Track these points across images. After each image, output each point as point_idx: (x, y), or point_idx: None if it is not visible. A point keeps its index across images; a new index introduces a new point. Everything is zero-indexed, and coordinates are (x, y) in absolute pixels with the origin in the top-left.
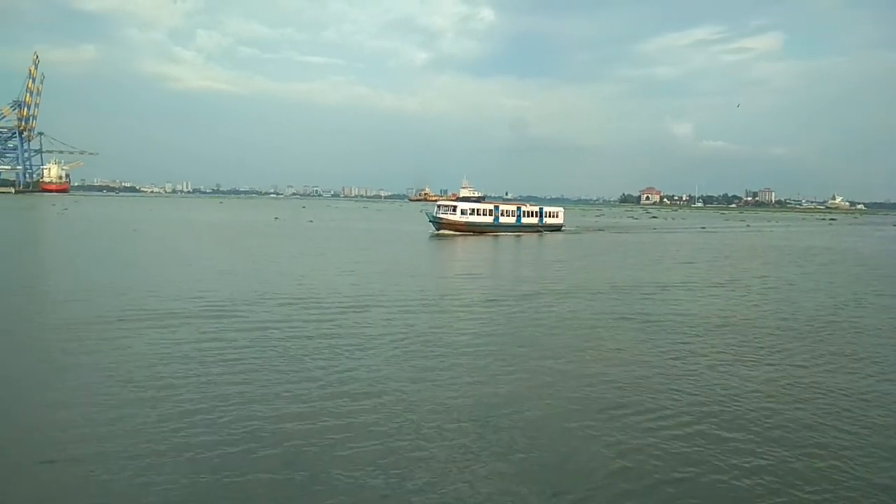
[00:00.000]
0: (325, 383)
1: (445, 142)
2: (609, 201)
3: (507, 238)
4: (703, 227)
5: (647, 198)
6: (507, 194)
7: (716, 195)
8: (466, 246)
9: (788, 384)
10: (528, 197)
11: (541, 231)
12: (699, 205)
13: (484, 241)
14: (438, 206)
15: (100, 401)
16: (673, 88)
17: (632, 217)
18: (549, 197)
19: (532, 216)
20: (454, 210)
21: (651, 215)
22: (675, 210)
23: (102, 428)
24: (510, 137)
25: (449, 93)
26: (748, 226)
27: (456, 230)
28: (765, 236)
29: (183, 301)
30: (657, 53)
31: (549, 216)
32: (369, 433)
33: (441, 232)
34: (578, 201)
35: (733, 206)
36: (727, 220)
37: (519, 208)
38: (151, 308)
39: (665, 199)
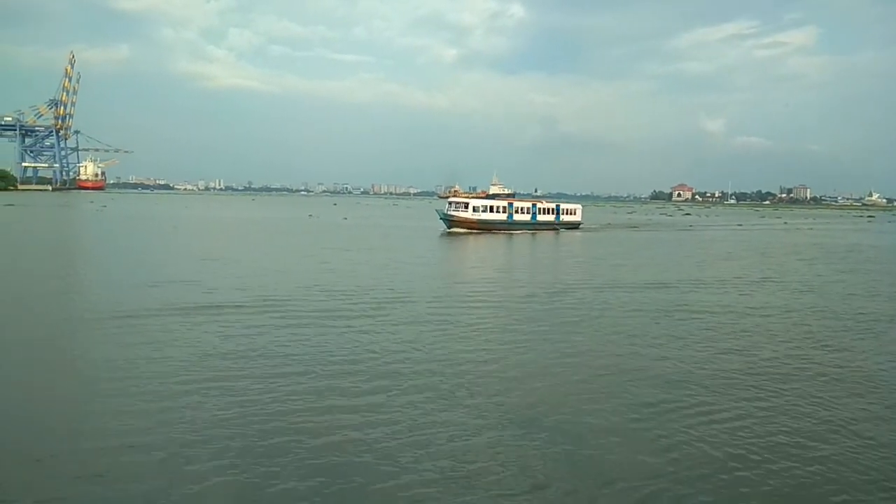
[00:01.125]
0: (373, 374)
1: (475, 139)
2: (640, 198)
3: (522, 236)
4: (740, 225)
5: (679, 195)
6: (536, 191)
7: (749, 192)
8: (482, 244)
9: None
10: (558, 194)
11: (557, 229)
12: (732, 202)
13: (498, 240)
14: (450, 203)
15: (152, 388)
16: (705, 84)
17: (665, 214)
18: (579, 194)
19: (548, 213)
20: (466, 207)
21: (684, 212)
22: (708, 207)
23: (156, 415)
24: (540, 134)
25: (478, 90)
26: (785, 223)
27: (468, 228)
28: (805, 234)
29: (232, 295)
30: (689, 49)
31: (567, 213)
32: (417, 427)
33: (452, 230)
34: (609, 198)
35: (767, 202)
36: (762, 217)
37: (534, 205)
38: (201, 301)
39: (697, 196)
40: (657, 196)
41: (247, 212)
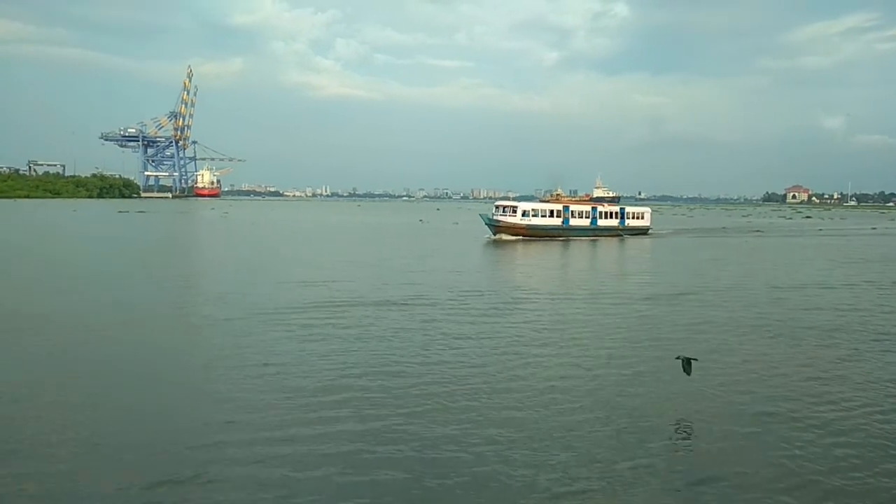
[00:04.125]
0: (493, 374)
1: (576, 141)
2: (751, 200)
3: (579, 243)
4: (874, 228)
5: (794, 196)
6: (640, 194)
7: (871, 193)
8: (535, 253)
9: None
10: (663, 197)
11: (621, 235)
12: (853, 203)
13: (549, 248)
14: (496, 207)
15: (277, 380)
16: (822, 80)
17: (783, 217)
18: (685, 196)
19: (611, 217)
20: (514, 211)
21: (804, 215)
22: (827, 209)
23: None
24: (644, 135)
25: (580, 91)
26: None
27: (516, 234)
28: None
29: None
30: (804, 43)
31: (633, 217)
32: (557, 429)
33: (499, 237)
34: (718, 200)
35: (891, 204)
36: (892, 219)
37: (594, 208)
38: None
39: (814, 198)
40: (769, 198)
41: (359, 217)
